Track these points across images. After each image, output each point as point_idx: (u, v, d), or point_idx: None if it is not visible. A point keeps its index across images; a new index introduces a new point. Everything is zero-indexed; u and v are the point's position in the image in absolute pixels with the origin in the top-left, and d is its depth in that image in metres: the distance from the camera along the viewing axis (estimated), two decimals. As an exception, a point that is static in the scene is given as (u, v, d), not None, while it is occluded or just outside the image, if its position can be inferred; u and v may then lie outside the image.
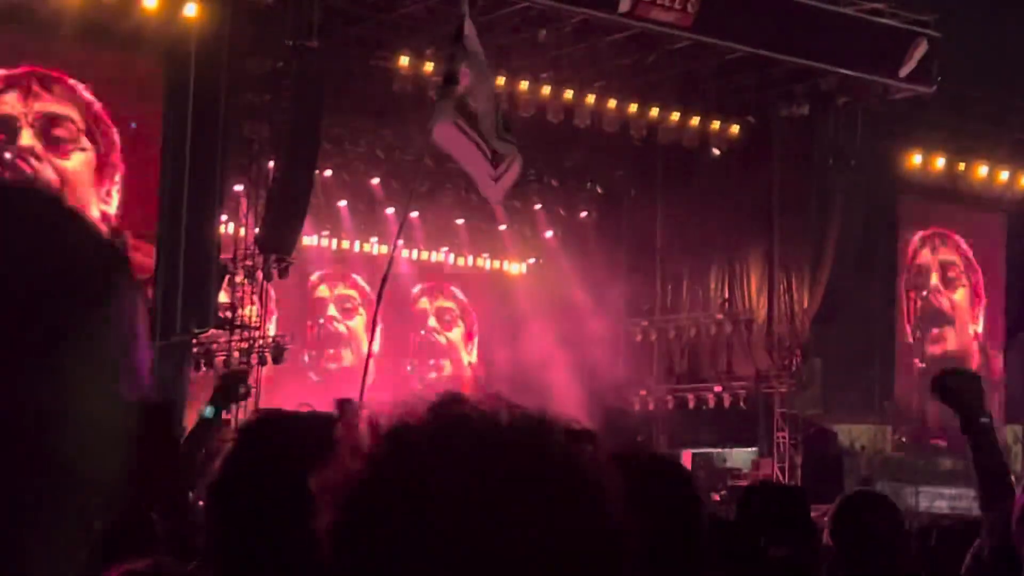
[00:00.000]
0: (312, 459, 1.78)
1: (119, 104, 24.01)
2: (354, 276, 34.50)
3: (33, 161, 23.01)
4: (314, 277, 33.92)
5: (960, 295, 32.80)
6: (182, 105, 23.79)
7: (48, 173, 23.13)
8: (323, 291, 34.22)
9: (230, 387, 7.13)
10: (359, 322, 34.60)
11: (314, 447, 1.78)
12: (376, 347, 34.90)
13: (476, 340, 36.05)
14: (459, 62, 10.03)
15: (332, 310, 34.24)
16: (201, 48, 23.66)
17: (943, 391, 4.78)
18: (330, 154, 29.88)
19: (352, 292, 34.62)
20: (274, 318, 31.45)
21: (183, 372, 25.20)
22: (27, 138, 22.94)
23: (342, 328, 34.42)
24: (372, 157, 32.05)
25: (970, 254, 32.79)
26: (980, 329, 32.95)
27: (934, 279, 32.47)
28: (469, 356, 36.21)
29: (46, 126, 23.14)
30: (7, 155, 22.72)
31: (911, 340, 32.09)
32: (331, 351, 34.01)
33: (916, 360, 31.98)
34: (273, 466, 2.69)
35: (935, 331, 32.43)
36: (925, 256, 32.34)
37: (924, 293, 32.35)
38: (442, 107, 10.05)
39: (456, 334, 36.01)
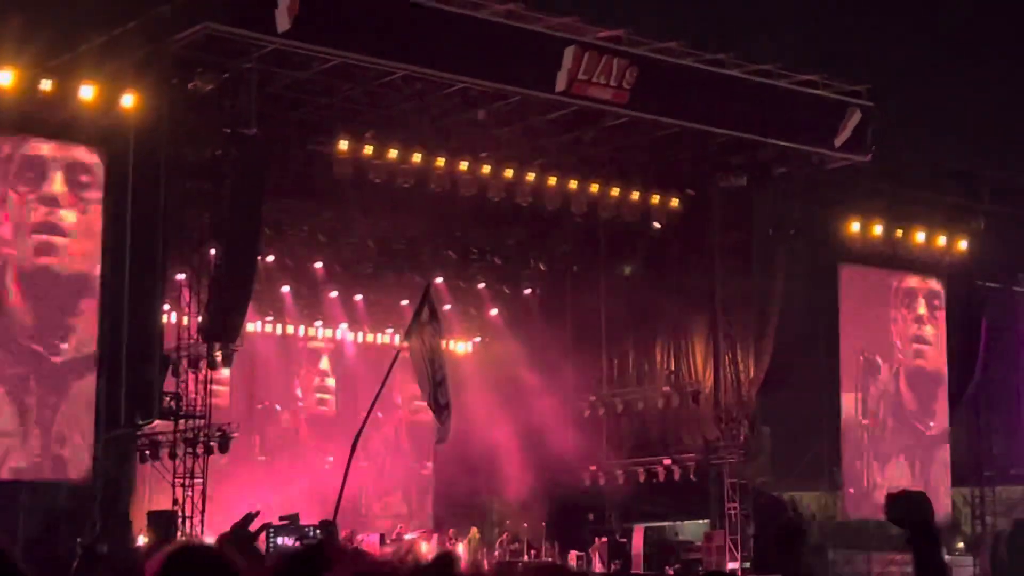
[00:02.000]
0: None
1: (57, 196, 23.89)
2: (314, 358, 34.49)
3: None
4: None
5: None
6: (121, 195, 23.69)
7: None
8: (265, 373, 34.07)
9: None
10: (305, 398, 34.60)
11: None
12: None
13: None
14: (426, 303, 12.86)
15: (298, 391, 34.19)
16: (139, 137, 23.62)
17: (893, 511, 5.18)
18: (272, 239, 29.86)
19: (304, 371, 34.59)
20: (213, 397, 31.30)
21: (129, 464, 24.94)
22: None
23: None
24: (314, 241, 32.04)
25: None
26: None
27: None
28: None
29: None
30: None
31: (858, 396, 32.20)
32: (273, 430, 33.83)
33: (859, 416, 32.06)
34: None
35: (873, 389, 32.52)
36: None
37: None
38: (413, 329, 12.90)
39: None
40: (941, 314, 33.04)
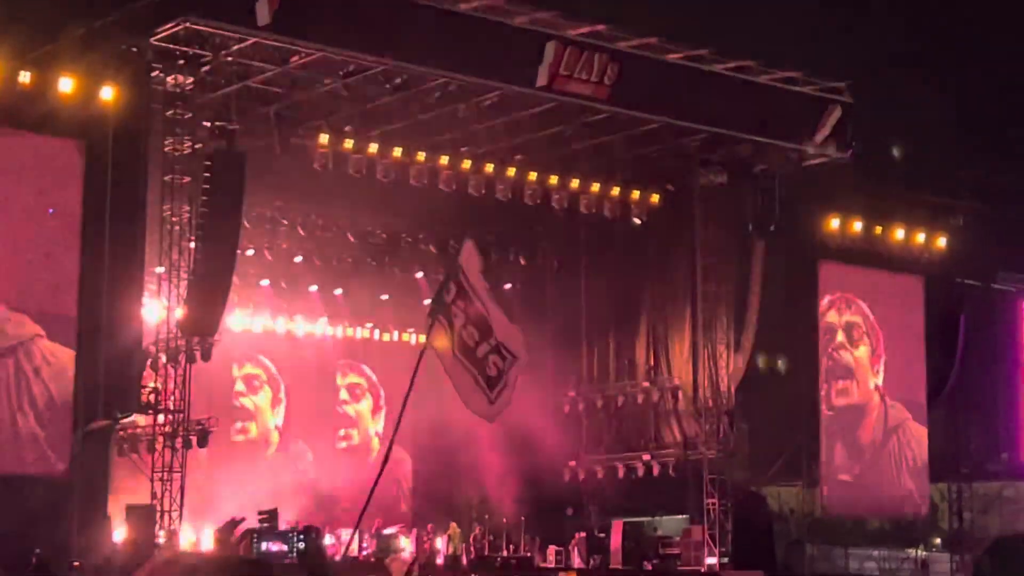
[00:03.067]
0: None
1: (35, 189, 23.79)
2: (259, 356, 34.28)
3: None
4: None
5: (862, 352, 33.01)
6: (101, 189, 23.61)
7: None
8: (232, 369, 33.96)
9: None
10: (263, 398, 34.46)
11: None
12: (280, 421, 34.78)
13: (384, 411, 35.73)
14: (450, 278, 10.84)
15: (239, 386, 34.03)
16: (119, 131, 23.55)
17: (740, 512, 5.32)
18: (251, 234, 29.79)
19: (258, 371, 34.45)
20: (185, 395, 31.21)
21: (106, 458, 24.84)
22: None
23: (248, 403, 34.22)
24: (294, 235, 31.99)
25: (871, 316, 33.03)
26: (880, 382, 33.14)
27: (839, 337, 32.71)
28: (376, 426, 35.92)
29: None
30: None
31: (822, 392, 32.35)
32: (238, 425, 33.72)
33: (824, 408, 32.16)
34: None
35: (840, 384, 32.62)
36: (831, 317, 32.57)
37: (831, 351, 32.54)
38: (433, 310, 10.80)
39: (364, 406, 35.81)
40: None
